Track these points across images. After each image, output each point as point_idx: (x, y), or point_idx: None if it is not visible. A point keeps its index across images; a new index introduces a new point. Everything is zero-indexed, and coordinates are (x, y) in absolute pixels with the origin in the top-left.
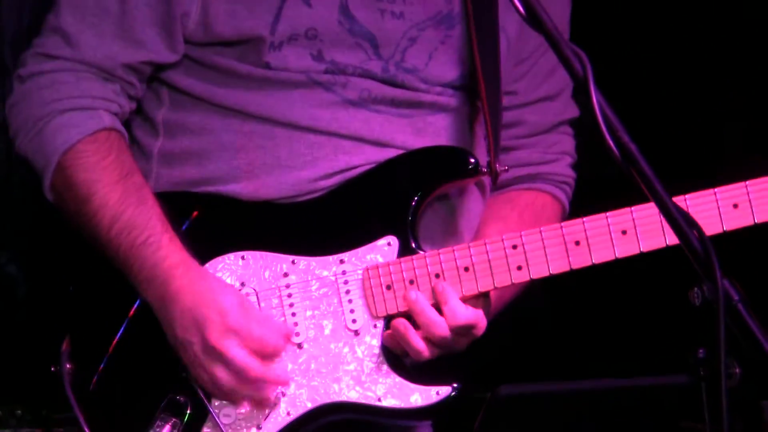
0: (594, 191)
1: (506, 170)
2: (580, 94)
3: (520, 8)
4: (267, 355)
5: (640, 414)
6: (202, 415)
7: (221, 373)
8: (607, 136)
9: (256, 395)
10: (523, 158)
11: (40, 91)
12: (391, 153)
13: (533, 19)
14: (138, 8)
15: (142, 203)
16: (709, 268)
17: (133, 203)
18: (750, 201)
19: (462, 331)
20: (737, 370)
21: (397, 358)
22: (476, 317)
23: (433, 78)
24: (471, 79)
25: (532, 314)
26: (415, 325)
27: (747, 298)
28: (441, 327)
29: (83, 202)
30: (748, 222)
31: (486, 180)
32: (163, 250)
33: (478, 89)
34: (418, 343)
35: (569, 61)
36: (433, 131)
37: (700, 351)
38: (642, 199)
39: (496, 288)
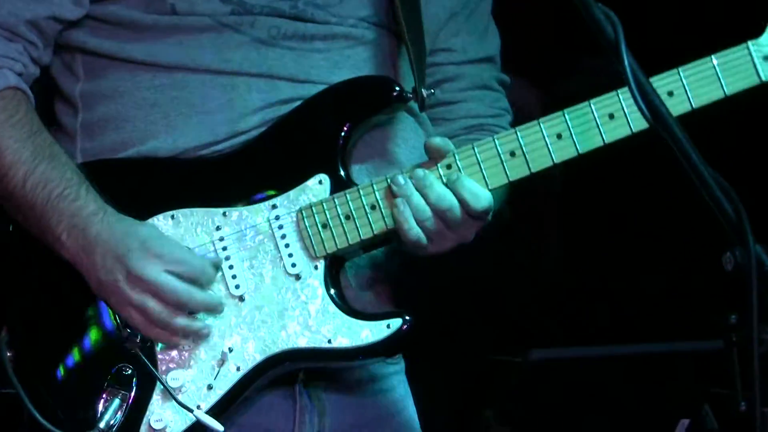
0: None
1: (432, 93)
2: (611, 57)
3: None
4: (194, 280)
5: (671, 379)
6: (149, 382)
7: (152, 304)
8: (639, 99)
9: (193, 326)
10: (471, 110)
11: None
12: (307, 89)
13: None
14: None
15: (54, 157)
16: (742, 234)
17: (47, 158)
18: (685, 87)
19: (481, 215)
20: None
21: (343, 296)
22: (491, 200)
23: (346, 12)
24: (387, 17)
25: (564, 280)
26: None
27: None
28: (448, 197)
29: None
30: (685, 109)
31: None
32: (81, 200)
33: (397, 26)
34: (419, 200)
35: (600, 23)
36: (352, 64)
37: (732, 317)
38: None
39: None
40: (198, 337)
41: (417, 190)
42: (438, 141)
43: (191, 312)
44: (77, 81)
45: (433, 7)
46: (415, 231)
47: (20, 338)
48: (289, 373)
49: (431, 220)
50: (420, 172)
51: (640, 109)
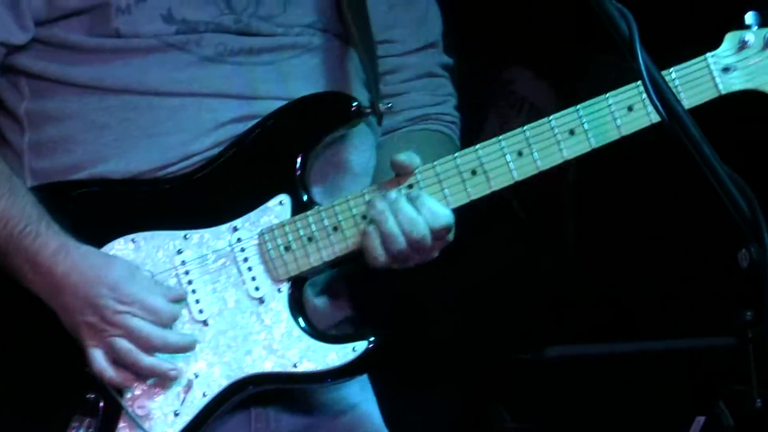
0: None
1: (389, 107)
2: (626, 54)
3: None
4: (165, 323)
5: (687, 376)
6: (116, 410)
7: (122, 345)
8: (653, 96)
9: (164, 367)
10: (414, 101)
11: None
12: (258, 105)
13: None
14: None
15: (13, 193)
16: (757, 230)
17: (5, 194)
18: (643, 102)
19: (441, 232)
20: None
21: (308, 320)
22: (452, 219)
23: (291, 22)
24: (333, 21)
25: (578, 276)
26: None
27: None
28: (421, 224)
29: None
30: (644, 123)
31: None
32: (42, 237)
33: (347, 32)
34: (394, 227)
35: (614, 20)
36: (300, 74)
37: (748, 313)
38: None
39: None
40: (168, 376)
41: (390, 214)
42: (403, 158)
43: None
44: (22, 99)
45: (374, 3)
46: (382, 258)
47: None
48: (257, 394)
49: (402, 247)
50: (392, 194)
51: (654, 105)
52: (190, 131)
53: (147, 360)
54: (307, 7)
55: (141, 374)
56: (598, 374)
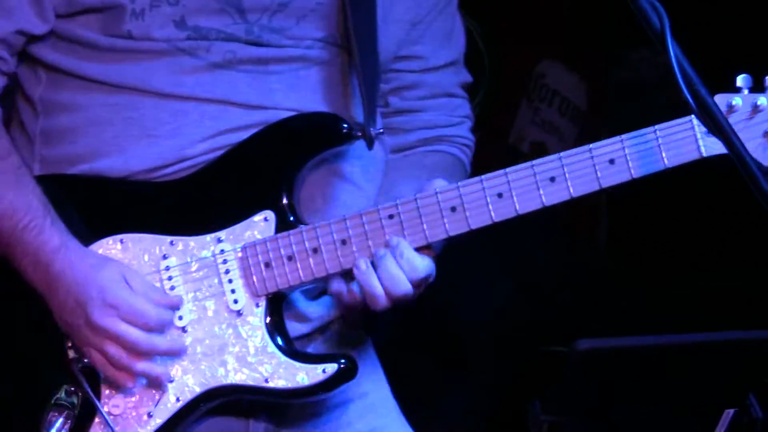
0: None
1: (381, 133)
2: (658, 47)
3: None
4: (152, 328)
5: (718, 369)
6: (92, 406)
7: (112, 350)
8: (685, 89)
9: (153, 370)
10: (429, 120)
11: None
12: (260, 115)
13: None
14: None
15: (21, 186)
16: None
17: (12, 186)
18: (626, 156)
19: (420, 282)
20: None
21: (283, 337)
22: (432, 266)
23: (303, 35)
24: (344, 39)
25: (607, 270)
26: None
27: None
28: (403, 283)
29: None
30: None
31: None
32: (45, 234)
33: (352, 52)
34: (376, 287)
35: (646, 14)
36: (306, 86)
37: None
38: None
39: None
40: (159, 382)
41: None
42: None
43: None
44: (38, 85)
45: (393, 24)
46: (359, 313)
47: None
48: (238, 407)
49: (384, 304)
50: (380, 251)
51: (686, 99)
52: (189, 136)
53: (139, 365)
54: (320, 21)
55: (132, 378)
56: (629, 367)
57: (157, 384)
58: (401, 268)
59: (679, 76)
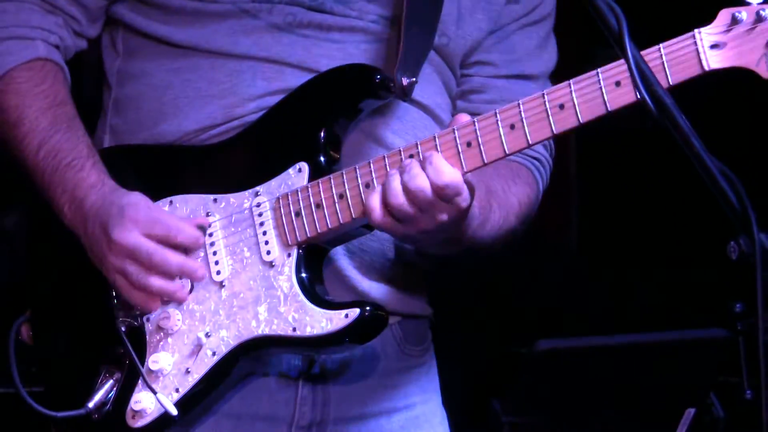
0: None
1: (415, 81)
2: (615, 48)
3: None
4: (171, 239)
5: (677, 368)
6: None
7: (131, 268)
8: (642, 90)
9: (168, 287)
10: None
11: None
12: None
13: None
14: None
15: (71, 130)
16: (746, 222)
17: (63, 129)
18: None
19: (445, 192)
20: None
21: (312, 285)
22: (460, 183)
23: (369, 9)
24: (401, 11)
25: (569, 270)
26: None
27: None
28: (421, 178)
29: (13, 126)
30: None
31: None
32: (84, 171)
33: (402, 25)
34: (393, 180)
35: (603, 15)
36: (365, 59)
37: (738, 305)
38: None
39: None
40: (176, 299)
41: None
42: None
43: (172, 276)
44: (116, 58)
45: (470, 25)
46: (378, 212)
47: (38, 319)
48: (283, 361)
49: (400, 200)
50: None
51: (643, 100)
52: (240, 94)
53: (153, 280)
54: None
55: (153, 298)
56: (589, 367)
57: (176, 302)
58: (424, 170)
59: (637, 78)
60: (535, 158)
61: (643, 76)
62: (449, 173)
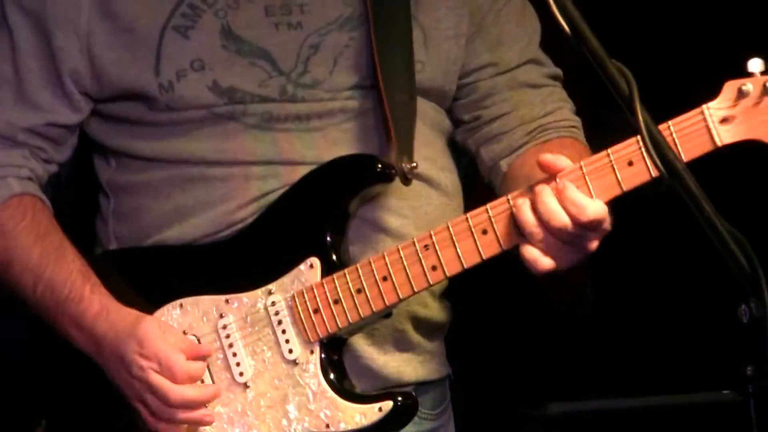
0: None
1: (415, 167)
2: (626, 112)
3: (565, 27)
4: (180, 382)
5: (690, 430)
6: None
7: (152, 401)
8: (654, 155)
9: (193, 416)
10: (524, 115)
11: None
12: (304, 171)
13: (577, 37)
14: (31, 71)
15: (60, 260)
16: (757, 286)
17: (52, 262)
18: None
19: (586, 221)
20: None
21: (339, 380)
22: (603, 209)
23: (339, 85)
24: (374, 78)
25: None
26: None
27: None
28: (558, 212)
29: (6, 268)
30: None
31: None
32: (84, 301)
33: (380, 87)
34: (528, 215)
35: (614, 79)
36: (349, 138)
37: (749, 368)
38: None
39: (415, 293)
40: (203, 423)
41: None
42: (549, 158)
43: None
44: (109, 169)
45: (444, 42)
46: (540, 236)
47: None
48: None
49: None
50: (540, 186)
51: (654, 163)
52: (238, 199)
53: (179, 415)
54: (352, 68)
55: (178, 427)
56: (601, 429)
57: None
58: (556, 199)
59: (648, 141)
60: (571, 126)
61: (654, 141)
62: (592, 208)
